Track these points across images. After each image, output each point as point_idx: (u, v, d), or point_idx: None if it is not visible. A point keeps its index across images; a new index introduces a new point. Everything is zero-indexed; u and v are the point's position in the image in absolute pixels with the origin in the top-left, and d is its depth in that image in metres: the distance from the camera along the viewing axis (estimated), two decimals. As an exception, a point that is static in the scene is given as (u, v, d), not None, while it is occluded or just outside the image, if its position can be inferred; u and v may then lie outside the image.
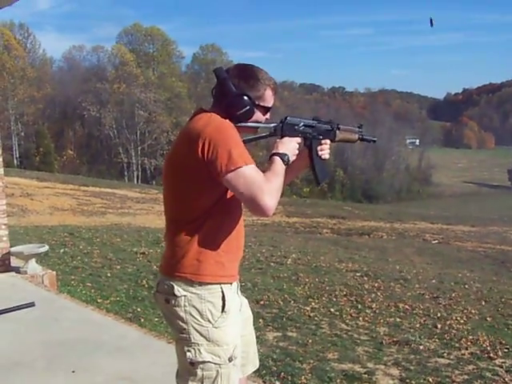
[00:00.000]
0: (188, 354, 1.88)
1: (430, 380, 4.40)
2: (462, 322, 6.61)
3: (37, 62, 63.82)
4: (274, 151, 1.94)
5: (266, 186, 1.76)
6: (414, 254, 16.06)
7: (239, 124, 1.89)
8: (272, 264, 10.14)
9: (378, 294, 8.02)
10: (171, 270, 1.90)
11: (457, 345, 5.55)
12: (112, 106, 56.15)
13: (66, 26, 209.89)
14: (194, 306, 1.87)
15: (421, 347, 5.33)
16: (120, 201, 27.19)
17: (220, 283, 1.90)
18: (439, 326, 6.32)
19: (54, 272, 6.52)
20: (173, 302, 1.88)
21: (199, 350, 1.87)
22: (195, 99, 61.83)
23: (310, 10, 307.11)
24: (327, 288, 8.18)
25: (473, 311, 7.25)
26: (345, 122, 2.12)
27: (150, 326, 5.27)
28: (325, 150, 2.07)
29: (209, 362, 1.87)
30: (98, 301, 6.22)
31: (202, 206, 1.86)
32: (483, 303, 7.98)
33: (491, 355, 5.23)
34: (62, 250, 9.68)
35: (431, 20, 2.04)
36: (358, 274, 9.78)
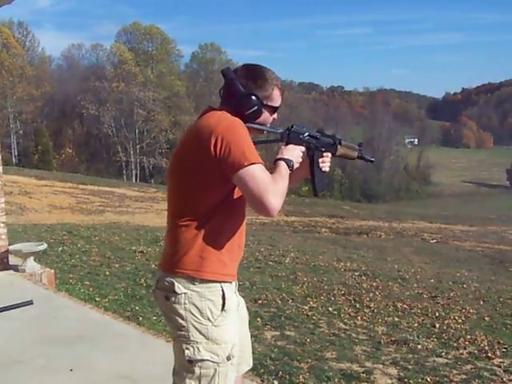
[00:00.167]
0: (186, 351, 1.88)
1: (428, 379, 4.40)
2: (460, 321, 6.63)
3: (36, 60, 63.75)
4: (279, 156, 1.96)
5: (273, 187, 1.78)
6: (412, 254, 16.07)
7: (247, 124, 1.91)
8: (270, 263, 10.15)
9: (377, 293, 8.03)
10: (172, 267, 1.90)
11: (455, 344, 5.57)
12: (111, 104, 56.05)
13: (65, 25, 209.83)
14: (193, 304, 1.87)
15: (419, 346, 5.34)
16: (118, 199, 27.15)
17: (220, 281, 1.91)
18: (437, 325, 6.33)
19: (53, 270, 6.51)
20: (173, 299, 1.88)
21: (198, 348, 1.87)
22: (194, 98, 61.79)
23: (309, 9, 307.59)
24: (325, 287, 8.18)
25: (471, 311, 7.27)
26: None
27: (148, 324, 5.27)
28: (326, 163, 2.10)
29: (207, 360, 1.87)
30: (97, 299, 6.22)
31: (209, 203, 1.87)
32: (481, 303, 8.00)
33: (489, 355, 5.24)
34: (60, 249, 9.67)
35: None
36: (356, 274, 9.79)
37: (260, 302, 6.83)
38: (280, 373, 4.21)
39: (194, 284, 1.87)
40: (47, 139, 52.09)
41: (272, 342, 5.21)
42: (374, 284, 8.74)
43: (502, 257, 16.81)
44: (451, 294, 8.43)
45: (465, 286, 9.64)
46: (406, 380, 4.38)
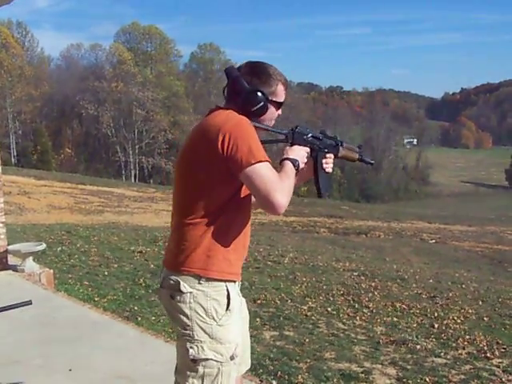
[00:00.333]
0: (191, 350, 1.88)
1: (427, 380, 4.40)
2: (459, 321, 6.63)
3: (35, 60, 63.72)
4: (285, 156, 1.98)
5: (280, 185, 1.80)
6: (411, 254, 16.09)
7: (253, 123, 1.91)
8: (269, 263, 10.14)
9: (375, 293, 8.03)
10: (178, 266, 1.90)
11: (454, 344, 5.57)
12: (110, 104, 56.02)
13: (64, 25, 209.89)
14: (199, 303, 1.88)
15: (418, 347, 5.34)
16: (117, 199, 27.14)
17: (226, 281, 1.91)
18: (436, 325, 6.33)
19: (51, 270, 6.51)
20: (178, 298, 1.89)
21: (202, 348, 1.88)
22: (193, 98, 61.80)
23: (308, 9, 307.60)
24: (324, 287, 8.18)
25: (470, 311, 7.26)
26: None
27: (147, 324, 5.27)
28: (329, 164, 2.12)
29: (211, 359, 1.88)
30: (95, 299, 6.21)
31: (216, 201, 1.88)
32: (480, 303, 8.00)
33: (488, 355, 5.24)
34: (59, 249, 9.66)
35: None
36: (355, 274, 9.79)
37: (259, 302, 6.83)
38: (279, 373, 4.21)
39: (199, 283, 1.88)
40: (46, 139, 52.04)
41: (271, 342, 5.21)
42: (373, 284, 8.74)
43: (501, 257, 16.84)
44: (450, 294, 8.42)
45: (464, 286, 9.64)
46: (404, 380, 4.38)
